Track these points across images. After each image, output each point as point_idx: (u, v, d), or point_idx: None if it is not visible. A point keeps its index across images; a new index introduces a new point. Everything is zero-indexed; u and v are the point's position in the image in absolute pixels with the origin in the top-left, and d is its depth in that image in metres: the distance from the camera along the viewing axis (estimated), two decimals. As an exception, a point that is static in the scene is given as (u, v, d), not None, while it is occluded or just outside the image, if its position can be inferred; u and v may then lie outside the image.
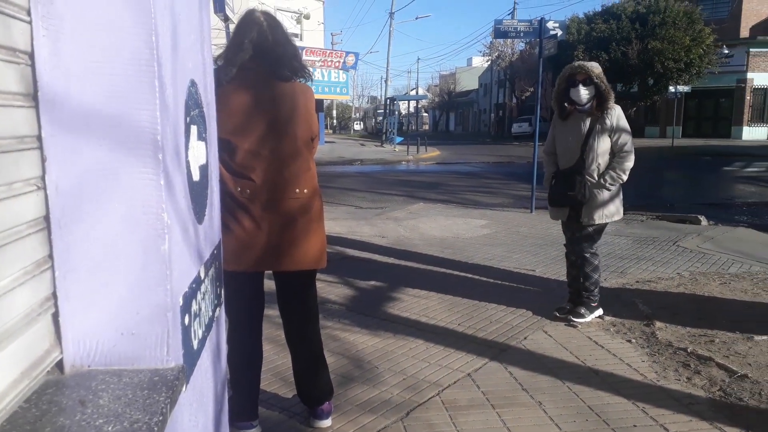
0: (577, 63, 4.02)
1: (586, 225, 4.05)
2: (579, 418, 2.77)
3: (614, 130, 3.90)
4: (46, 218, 1.08)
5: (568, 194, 4.03)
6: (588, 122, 3.97)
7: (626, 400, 2.94)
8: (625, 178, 3.93)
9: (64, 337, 1.12)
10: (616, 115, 3.92)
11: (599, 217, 3.98)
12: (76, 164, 1.07)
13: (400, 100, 42.96)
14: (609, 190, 3.94)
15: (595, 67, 3.94)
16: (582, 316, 4.05)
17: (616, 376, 3.22)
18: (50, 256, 1.09)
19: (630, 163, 3.93)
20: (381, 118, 47.33)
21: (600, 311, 4.13)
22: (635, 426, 2.68)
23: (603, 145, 3.93)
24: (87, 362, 1.14)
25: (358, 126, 78.11)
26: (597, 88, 3.91)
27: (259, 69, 2.31)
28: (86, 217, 1.09)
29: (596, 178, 3.95)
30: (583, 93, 3.94)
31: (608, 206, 3.98)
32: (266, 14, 2.39)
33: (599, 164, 3.95)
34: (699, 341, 3.68)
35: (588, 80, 3.90)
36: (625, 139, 3.91)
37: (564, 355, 3.53)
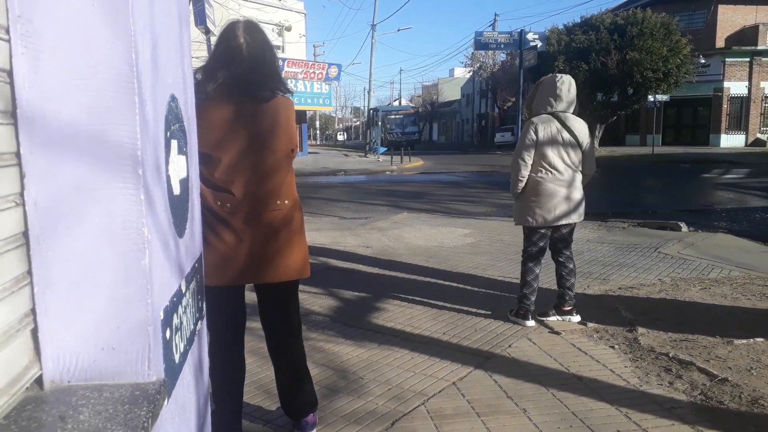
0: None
1: None
2: (563, 424, 2.79)
3: None
4: (25, 234, 1.07)
5: None
6: None
7: (610, 405, 2.97)
8: (510, 181, 4.23)
9: (44, 352, 1.12)
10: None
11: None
12: (55, 180, 1.07)
13: (383, 111, 42.57)
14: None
15: (537, 83, 4.32)
16: (509, 314, 4.34)
17: (600, 382, 3.25)
18: (29, 272, 1.09)
19: (512, 174, 4.19)
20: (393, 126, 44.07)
21: (528, 322, 4.20)
22: (618, 431, 2.71)
23: None
24: (67, 378, 1.13)
25: (341, 136, 78.17)
26: None
27: (238, 85, 2.29)
28: (65, 232, 1.09)
29: None
30: None
31: (515, 210, 4.33)
32: (247, 28, 2.32)
33: None
34: (680, 346, 3.73)
35: None
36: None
37: (548, 362, 3.55)
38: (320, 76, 28.16)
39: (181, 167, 1.46)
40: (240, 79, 2.27)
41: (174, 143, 1.38)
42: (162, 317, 1.21)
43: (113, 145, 1.08)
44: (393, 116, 45.22)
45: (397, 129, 43.74)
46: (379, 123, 38.95)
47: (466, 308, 4.60)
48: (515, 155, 4.16)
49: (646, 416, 2.84)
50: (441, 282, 5.45)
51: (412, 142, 43.35)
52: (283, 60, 25.73)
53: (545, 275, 5.12)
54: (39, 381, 1.12)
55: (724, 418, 2.82)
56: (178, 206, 1.39)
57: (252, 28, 2.34)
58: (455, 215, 10.01)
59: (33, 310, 1.10)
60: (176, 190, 1.38)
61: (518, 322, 4.22)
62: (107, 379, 1.14)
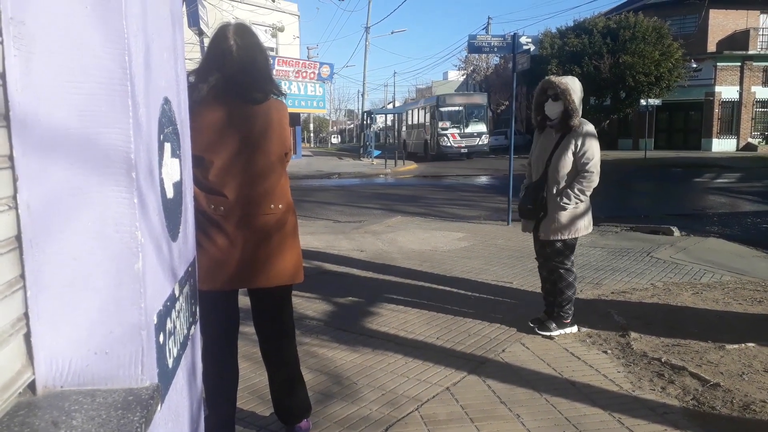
0: (549, 77, 4.00)
1: (543, 240, 4.08)
2: (556, 429, 2.79)
3: (579, 149, 3.88)
4: (18, 238, 1.07)
5: (528, 207, 4.11)
6: (557, 138, 4.01)
7: (602, 410, 2.97)
8: (583, 198, 3.91)
9: (36, 357, 1.11)
10: (582, 134, 3.88)
11: (553, 233, 3.99)
12: (48, 183, 1.06)
13: (377, 114, 41.79)
14: (564, 208, 3.92)
15: (564, 83, 3.89)
16: (548, 329, 4.07)
17: (593, 387, 3.25)
18: (22, 276, 1.08)
19: (590, 183, 3.88)
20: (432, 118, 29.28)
21: (573, 329, 4.12)
22: (611, 436, 2.71)
23: (564, 162, 3.93)
24: (60, 383, 1.12)
25: (335, 139, 78.14)
26: (564, 104, 3.90)
27: (230, 87, 2.29)
28: (59, 236, 1.08)
29: (555, 194, 3.97)
30: (553, 108, 3.97)
31: (563, 223, 3.95)
32: (238, 31, 2.31)
33: (559, 180, 3.95)
34: (673, 351, 3.74)
35: (557, 95, 3.91)
36: (588, 158, 3.86)
37: (541, 366, 3.55)
38: (312, 75, 28.04)
39: (175, 170, 1.45)
40: (231, 81, 2.27)
41: (167, 146, 1.37)
42: (155, 321, 1.20)
43: (106, 148, 1.08)
44: (448, 108, 28.82)
45: (453, 128, 28.23)
46: (429, 120, 28.51)
47: (459, 312, 4.60)
48: (599, 164, 3.88)
49: (639, 421, 2.85)
50: (435, 286, 5.45)
51: (475, 150, 28.58)
52: (274, 58, 25.67)
53: (535, 279, 5.13)
54: (32, 386, 1.11)
55: (716, 423, 2.83)
56: (171, 210, 1.38)
57: (242, 30, 2.34)
58: (449, 219, 10.02)
59: (26, 315, 1.09)
60: (169, 194, 1.37)
61: (567, 332, 4.08)
62: (100, 384, 1.14)
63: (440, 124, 28.38)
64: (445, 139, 28.11)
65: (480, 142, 28.63)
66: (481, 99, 30.21)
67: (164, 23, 1.40)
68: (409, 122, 34.15)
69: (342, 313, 4.67)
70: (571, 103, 3.87)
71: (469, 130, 28.26)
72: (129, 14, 1.08)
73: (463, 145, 28.05)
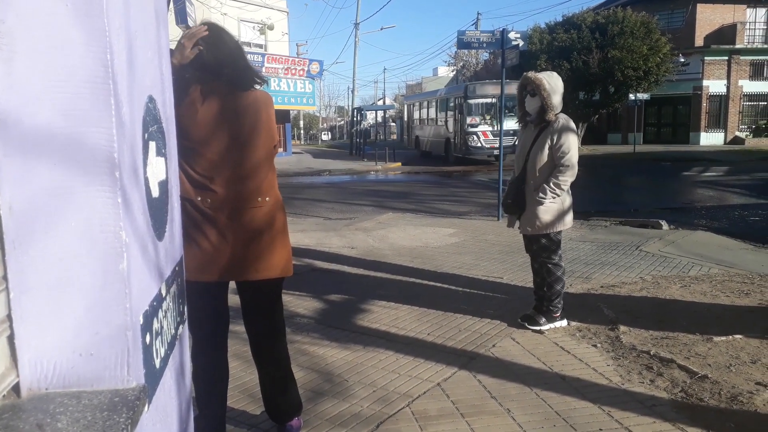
0: (526, 74, 4.04)
1: (525, 234, 4.14)
2: (546, 423, 2.81)
3: (555, 143, 3.90)
4: (0, 239, 1.05)
5: (508, 202, 4.16)
6: (535, 132, 4.04)
7: (592, 404, 2.99)
8: (559, 192, 3.91)
9: (21, 359, 1.10)
10: (558, 128, 3.90)
11: (533, 227, 4.01)
12: (30, 184, 1.05)
13: (367, 110, 41.40)
14: (540, 202, 3.94)
15: (539, 78, 3.92)
16: (538, 324, 4.08)
17: (582, 381, 3.27)
18: (4, 278, 1.07)
19: (566, 177, 3.89)
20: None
21: (563, 323, 4.14)
22: (601, 429, 2.73)
23: (541, 156, 3.95)
24: (44, 385, 1.11)
25: (326, 136, 77.90)
26: (540, 99, 3.93)
27: (214, 83, 2.30)
28: (42, 237, 1.07)
29: (532, 189, 4.00)
30: (531, 103, 4.01)
31: (541, 218, 3.96)
32: (205, 34, 2.30)
33: (537, 175, 3.98)
34: (661, 344, 3.76)
35: (534, 91, 3.95)
36: (563, 152, 3.87)
37: (531, 361, 3.57)
38: (301, 72, 27.91)
39: (160, 169, 1.44)
40: (213, 75, 2.28)
41: (152, 145, 1.36)
42: (141, 322, 1.19)
43: (89, 148, 1.06)
44: (479, 100, 22.87)
45: (484, 125, 22.47)
46: (454, 115, 23.50)
47: (450, 308, 4.61)
48: (574, 158, 3.89)
49: (628, 414, 2.87)
50: (426, 282, 5.45)
51: (510, 151, 17.88)
52: (263, 56, 25.54)
53: (525, 274, 5.16)
54: (16, 388, 1.10)
55: (704, 414, 2.85)
56: (156, 209, 1.37)
57: (210, 31, 2.33)
58: (440, 215, 10.04)
59: (9, 317, 1.08)
60: (155, 193, 1.36)
61: (556, 326, 4.09)
62: (86, 385, 1.13)
63: (468, 119, 22.61)
64: (475, 138, 22.35)
65: (516, 142, 22.38)
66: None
67: (148, 21, 1.38)
68: (424, 116, 28.58)
69: (333, 310, 4.67)
70: (545, 98, 3.90)
71: (504, 126, 22.12)
72: (110, 12, 1.07)
73: (496, 145, 21.27)
